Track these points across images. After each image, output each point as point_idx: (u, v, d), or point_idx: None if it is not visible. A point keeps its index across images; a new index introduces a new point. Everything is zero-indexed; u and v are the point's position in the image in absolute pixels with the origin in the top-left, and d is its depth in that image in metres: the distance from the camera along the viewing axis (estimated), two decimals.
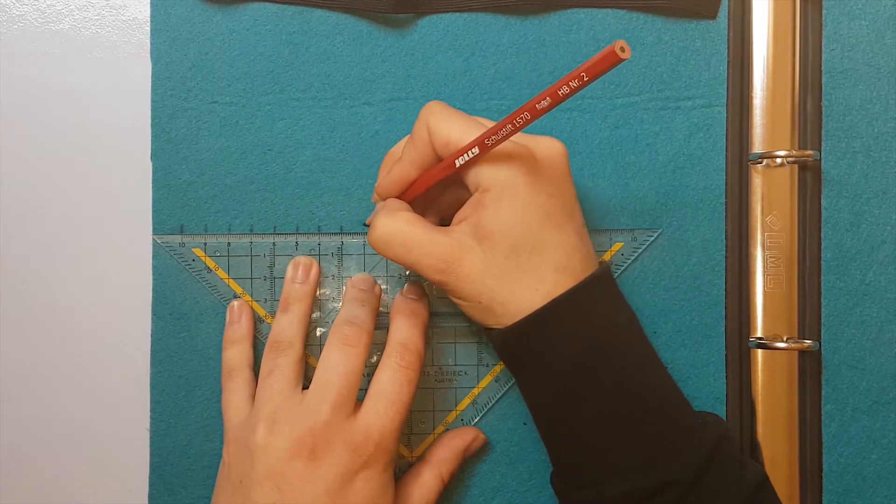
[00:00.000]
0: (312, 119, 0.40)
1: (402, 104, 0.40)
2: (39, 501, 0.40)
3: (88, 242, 0.40)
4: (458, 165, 0.32)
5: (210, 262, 0.39)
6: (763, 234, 0.39)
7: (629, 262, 0.40)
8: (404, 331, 0.36)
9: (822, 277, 0.40)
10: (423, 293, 0.38)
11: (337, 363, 0.34)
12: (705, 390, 0.40)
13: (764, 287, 0.39)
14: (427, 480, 0.37)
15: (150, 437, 0.39)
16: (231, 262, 0.40)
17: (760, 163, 0.39)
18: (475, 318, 0.34)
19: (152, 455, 0.39)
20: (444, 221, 0.37)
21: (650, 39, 0.40)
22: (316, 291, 0.39)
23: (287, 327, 0.37)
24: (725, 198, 0.40)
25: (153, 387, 0.39)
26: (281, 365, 0.36)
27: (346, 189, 0.40)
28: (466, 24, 0.40)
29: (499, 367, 0.40)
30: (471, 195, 0.33)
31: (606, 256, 0.40)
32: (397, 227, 0.33)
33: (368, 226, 0.38)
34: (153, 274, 0.39)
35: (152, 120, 0.39)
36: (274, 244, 0.40)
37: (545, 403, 0.34)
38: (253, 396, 0.37)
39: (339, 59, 0.40)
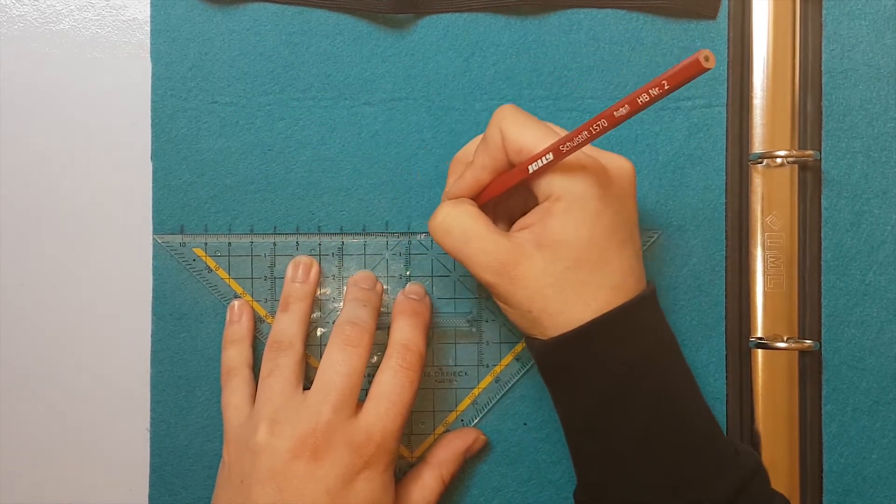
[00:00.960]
0: (312, 119, 0.40)
1: (402, 104, 0.40)
2: (39, 501, 0.40)
3: (88, 242, 0.40)
4: (530, 171, 0.31)
5: (211, 262, 0.39)
6: (763, 234, 0.39)
7: None
8: (406, 331, 0.36)
9: (822, 277, 0.40)
10: (424, 293, 0.38)
11: (339, 363, 0.34)
12: (705, 390, 0.39)
13: (764, 287, 0.39)
14: (428, 482, 0.37)
15: (150, 437, 0.39)
16: (231, 261, 0.40)
17: (760, 163, 0.39)
18: (518, 324, 0.34)
19: (152, 455, 0.39)
20: (506, 229, 0.36)
21: (650, 39, 0.40)
22: (316, 291, 0.39)
23: (287, 327, 0.37)
24: (725, 198, 0.40)
25: (153, 387, 0.39)
26: (282, 365, 0.35)
27: (346, 189, 0.40)
28: (466, 24, 0.40)
29: (499, 368, 0.40)
30: (537, 203, 0.32)
31: None
32: (460, 217, 0.33)
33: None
34: (153, 274, 0.39)
35: (152, 120, 0.39)
36: (274, 244, 0.40)
37: (580, 418, 0.34)
38: (252, 396, 0.37)
39: (339, 59, 0.40)
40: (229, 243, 0.40)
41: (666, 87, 0.26)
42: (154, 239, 0.39)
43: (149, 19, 0.39)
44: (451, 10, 0.39)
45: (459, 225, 0.33)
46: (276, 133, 0.40)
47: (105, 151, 0.40)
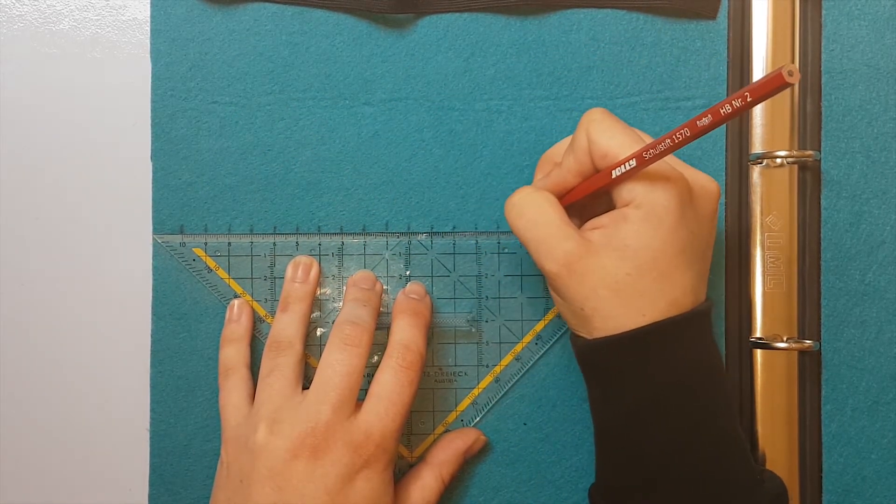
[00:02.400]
0: (312, 119, 0.40)
1: (402, 104, 0.40)
2: (39, 501, 0.40)
3: (88, 242, 0.40)
4: (613, 176, 0.31)
5: (210, 262, 0.39)
6: (763, 234, 0.39)
7: None
8: (406, 331, 0.36)
9: (822, 277, 0.40)
10: (425, 292, 0.38)
11: (338, 363, 0.34)
12: None
13: (764, 287, 0.39)
14: (428, 482, 0.37)
15: (150, 437, 0.39)
16: (231, 261, 0.40)
17: (760, 163, 0.39)
18: (567, 319, 0.34)
19: (152, 455, 0.39)
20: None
21: (650, 39, 0.40)
22: (316, 291, 0.39)
23: (287, 327, 0.37)
24: (725, 198, 0.40)
25: (153, 387, 0.39)
26: (281, 365, 0.35)
27: (346, 189, 0.40)
28: (466, 24, 0.40)
29: (499, 368, 0.40)
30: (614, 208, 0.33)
31: None
32: (536, 201, 0.33)
33: None
34: (153, 274, 0.39)
35: (152, 120, 0.39)
36: (274, 244, 0.40)
37: (612, 422, 0.34)
38: (251, 396, 0.37)
39: (339, 59, 0.40)
40: (229, 243, 0.40)
41: (748, 100, 0.26)
42: (154, 239, 0.39)
43: (149, 19, 0.39)
44: (451, 10, 0.39)
45: (534, 208, 0.33)
46: (276, 133, 0.40)
47: (105, 151, 0.40)
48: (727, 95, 0.40)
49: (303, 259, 0.39)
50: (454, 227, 0.40)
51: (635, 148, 0.30)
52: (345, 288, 0.39)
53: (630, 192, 0.31)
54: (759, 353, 0.39)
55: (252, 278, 0.40)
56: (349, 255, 0.40)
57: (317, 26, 0.40)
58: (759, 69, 0.40)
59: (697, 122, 0.28)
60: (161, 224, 0.39)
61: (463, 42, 0.40)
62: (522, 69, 0.40)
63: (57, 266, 0.40)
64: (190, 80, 0.39)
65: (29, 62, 0.40)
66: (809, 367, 0.40)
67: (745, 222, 0.40)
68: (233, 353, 0.38)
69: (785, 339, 0.39)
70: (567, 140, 0.36)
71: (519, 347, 0.40)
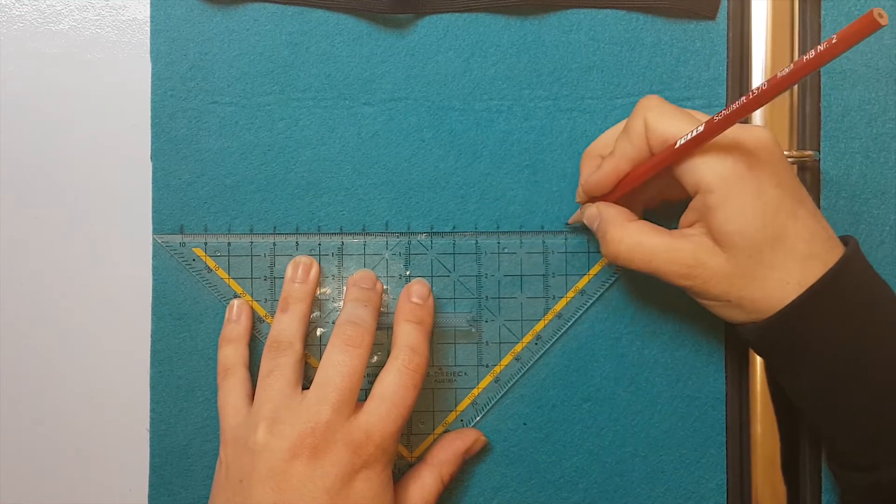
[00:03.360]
0: (312, 119, 0.40)
1: (402, 104, 0.40)
2: (39, 501, 0.40)
3: (88, 242, 0.40)
4: (678, 146, 0.31)
5: (210, 262, 0.39)
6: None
7: None
8: (412, 335, 0.36)
9: None
10: (429, 293, 0.38)
11: (339, 364, 0.34)
12: (705, 390, 0.40)
13: None
14: (427, 482, 0.37)
15: (150, 437, 0.39)
16: (231, 261, 0.40)
17: None
18: (723, 315, 0.34)
19: (152, 455, 0.39)
20: (648, 210, 0.37)
21: (650, 40, 0.40)
22: (316, 291, 0.39)
23: (287, 327, 0.37)
24: None
25: (153, 387, 0.39)
26: (281, 365, 0.35)
27: (346, 189, 0.40)
28: (466, 24, 0.40)
29: (499, 368, 0.40)
30: (672, 183, 0.32)
31: None
32: (634, 240, 0.33)
33: (570, 224, 0.39)
34: (153, 274, 0.39)
35: (152, 120, 0.39)
36: (274, 244, 0.40)
37: (810, 393, 0.33)
38: (249, 396, 0.37)
39: (339, 60, 0.40)
40: (229, 243, 0.40)
41: (834, 42, 0.24)
42: (154, 239, 0.39)
43: (149, 19, 0.39)
44: (451, 10, 0.39)
45: (636, 247, 0.33)
46: (276, 133, 0.40)
47: (105, 151, 0.40)
48: (727, 96, 0.40)
49: (302, 259, 0.39)
50: (454, 227, 0.40)
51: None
52: (345, 288, 0.39)
53: (693, 172, 0.31)
54: None
55: (252, 278, 0.40)
56: (349, 255, 0.40)
57: (317, 26, 0.40)
58: (759, 69, 0.40)
59: (778, 74, 0.26)
60: (161, 224, 0.39)
61: (463, 42, 0.40)
62: (522, 69, 0.40)
63: (57, 266, 0.40)
64: (190, 80, 0.39)
65: (29, 62, 0.40)
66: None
67: None
68: (231, 353, 0.38)
69: None
70: (608, 135, 0.37)
71: (519, 347, 0.40)
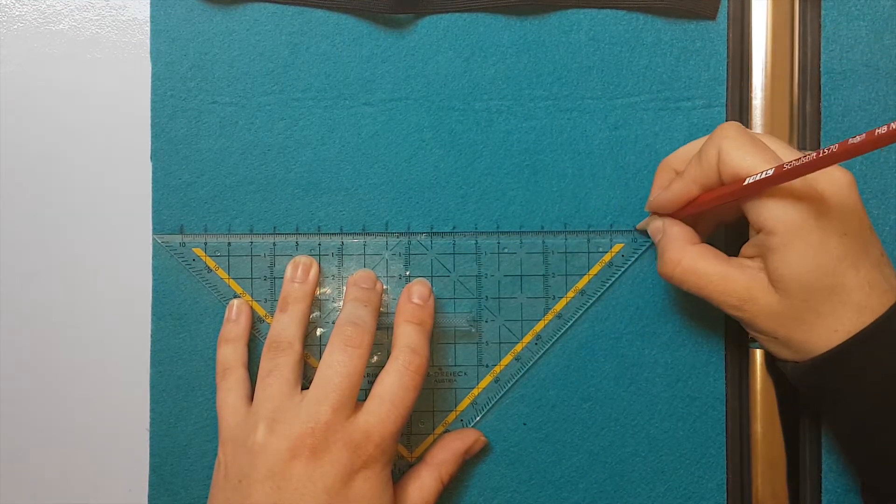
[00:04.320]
0: (312, 119, 0.40)
1: (402, 104, 0.40)
2: (39, 501, 0.40)
3: (88, 243, 0.40)
4: (746, 183, 0.30)
5: (210, 262, 0.39)
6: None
7: (629, 262, 0.40)
8: (413, 336, 0.36)
9: None
10: (429, 293, 0.38)
11: (339, 364, 0.34)
12: (705, 390, 0.40)
13: None
14: (426, 482, 0.37)
15: (150, 438, 0.39)
16: (231, 261, 0.40)
17: None
18: (769, 348, 0.34)
19: (152, 455, 0.39)
20: (710, 232, 0.37)
21: (650, 40, 0.40)
22: (315, 291, 0.39)
23: (286, 327, 0.37)
24: None
25: (153, 387, 0.39)
26: (281, 365, 0.35)
27: (346, 189, 0.40)
28: (466, 24, 0.40)
29: (498, 368, 0.40)
30: (737, 210, 0.32)
31: (607, 258, 0.40)
32: (690, 265, 0.33)
33: (639, 230, 0.39)
34: (153, 274, 0.39)
35: (152, 120, 0.39)
36: (274, 244, 0.40)
37: (848, 432, 0.34)
38: (248, 396, 0.37)
39: (339, 60, 0.40)
40: (229, 243, 0.40)
41: None
42: (154, 239, 0.39)
43: (149, 19, 0.39)
44: (451, 10, 0.39)
45: (691, 271, 0.33)
46: (276, 133, 0.40)
47: (105, 151, 0.40)
48: (727, 96, 0.40)
49: (302, 259, 0.39)
50: (454, 227, 0.40)
51: (770, 167, 0.30)
52: (345, 287, 0.39)
53: (760, 212, 0.31)
54: (758, 352, 0.39)
55: (252, 278, 0.40)
56: (349, 255, 0.40)
57: (317, 26, 0.40)
58: (759, 69, 0.40)
59: (849, 141, 0.26)
60: (161, 224, 0.39)
61: (463, 42, 0.40)
62: (522, 69, 0.40)
63: (57, 266, 0.40)
64: (190, 80, 0.39)
65: (29, 62, 0.40)
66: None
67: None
68: (230, 353, 0.38)
69: None
70: (689, 147, 0.36)
71: (519, 347, 0.40)
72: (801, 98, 0.40)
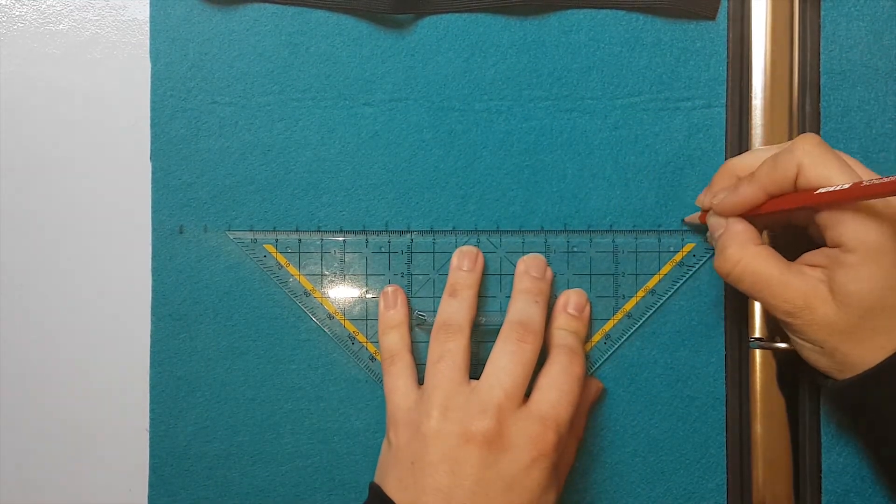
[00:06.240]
0: (312, 119, 0.40)
1: (402, 104, 0.40)
2: (39, 501, 0.40)
3: (88, 243, 0.40)
4: (818, 192, 0.30)
5: (281, 259, 0.39)
6: (763, 235, 0.39)
7: (702, 262, 0.40)
8: (572, 323, 0.38)
9: None
10: (584, 304, 0.39)
11: (511, 353, 0.34)
12: (705, 390, 0.40)
13: None
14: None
15: (150, 438, 0.39)
16: (301, 258, 0.40)
17: None
18: (807, 356, 0.34)
19: (152, 455, 0.39)
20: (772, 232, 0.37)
21: (650, 40, 0.40)
22: (481, 280, 0.39)
23: (456, 312, 0.37)
24: None
25: (153, 387, 0.39)
26: (452, 350, 0.36)
27: (346, 189, 0.40)
28: (466, 24, 0.40)
29: None
30: (804, 216, 0.32)
31: (678, 257, 0.40)
32: (750, 265, 0.33)
33: (688, 224, 0.39)
34: (153, 274, 0.39)
35: (152, 120, 0.39)
36: (344, 242, 0.40)
37: (884, 449, 0.34)
38: (416, 379, 0.37)
39: (339, 60, 0.40)
40: (300, 240, 0.40)
41: None
42: (226, 235, 0.39)
43: (148, 19, 0.39)
44: (451, 10, 0.39)
45: (749, 271, 0.33)
46: (276, 133, 0.40)
47: (105, 151, 0.40)
48: (727, 96, 0.40)
49: (467, 248, 0.39)
50: (454, 227, 0.40)
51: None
52: (515, 267, 0.39)
53: (838, 228, 0.31)
54: (758, 353, 0.39)
55: (322, 275, 0.39)
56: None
57: (317, 26, 0.40)
58: (759, 69, 0.40)
59: None
60: (161, 224, 0.39)
61: (463, 42, 0.40)
62: (522, 69, 0.40)
63: (57, 266, 0.40)
64: (190, 80, 0.39)
65: (29, 62, 0.40)
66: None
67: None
68: (396, 339, 0.38)
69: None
70: (756, 153, 0.36)
71: (588, 346, 0.39)
72: (800, 98, 0.40)
